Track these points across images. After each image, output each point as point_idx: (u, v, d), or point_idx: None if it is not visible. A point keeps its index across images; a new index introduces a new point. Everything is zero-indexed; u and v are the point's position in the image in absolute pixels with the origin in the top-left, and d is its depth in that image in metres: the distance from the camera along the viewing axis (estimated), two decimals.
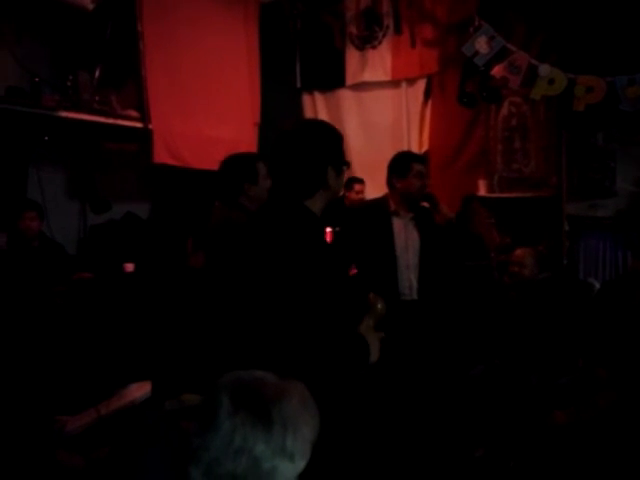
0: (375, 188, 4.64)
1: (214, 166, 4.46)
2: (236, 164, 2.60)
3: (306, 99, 5.38)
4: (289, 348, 1.54)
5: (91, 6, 3.65)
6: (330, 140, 1.73)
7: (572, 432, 2.56)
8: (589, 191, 4.20)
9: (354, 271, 3.32)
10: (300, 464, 1.03)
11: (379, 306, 1.75)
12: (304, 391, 1.08)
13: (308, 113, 5.36)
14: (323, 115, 5.26)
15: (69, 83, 3.76)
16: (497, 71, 3.76)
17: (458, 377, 3.30)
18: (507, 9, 4.31)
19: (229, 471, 1.00)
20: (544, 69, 3.65)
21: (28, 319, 2.54)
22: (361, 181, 4.70)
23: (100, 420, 2.64)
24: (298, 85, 5.35)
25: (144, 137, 4.13)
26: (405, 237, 3.19)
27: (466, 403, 3.18)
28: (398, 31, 4.72)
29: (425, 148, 4.86)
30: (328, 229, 3.47)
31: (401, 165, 3.10)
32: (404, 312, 3.14)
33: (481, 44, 3.70)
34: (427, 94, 4.86)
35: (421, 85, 4.85)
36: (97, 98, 3.87)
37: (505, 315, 3.40)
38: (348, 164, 1.79)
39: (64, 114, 3.68)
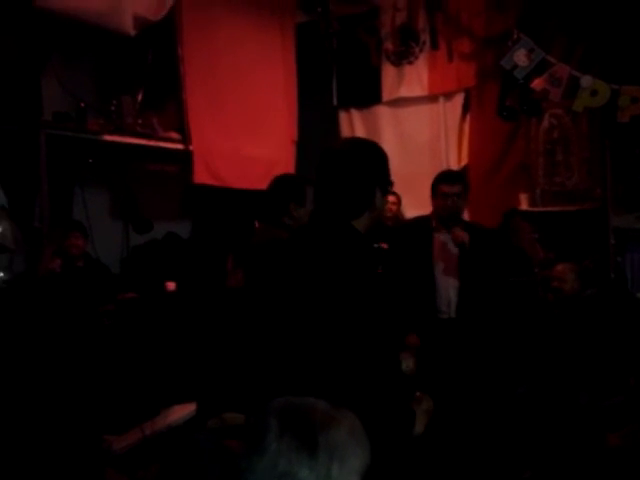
0: (412, 204, 4.62)
1: (252, 185, 4.58)
2: (285, 184, 2.60)
3: (343, 116, 5.39)
4: (334, 373, 1.52)
5: (133, 32, 3.74)
6: (378, 161, 1.72)
7: (626, 456, 2.46)
8: (635, 203, 4.08)
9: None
10: None
11: (424, 407, 1.68)
12: (355, 421, 1.06)
13: (345, 130, 5.37)
14: (360, 131, 5.27)
15: (113, 107, 3.86)
16: (537, 84, 3.70)
17: (502, 397, 3.22)
18: (546, 21, 4.25)
19: None
20: (586, 80, 3.58)
21: (78, 340, 2.59)
22: (394, 193, 4.68)
23: (145, 440, 2.67)
24: (335, 102, 5.37)
25: (185, 158, 4.20)
26: (445, 255, 3.18)
27: (512, 423, 3.10)
28: (435, 46, 4.70)
29: (464, 163, 4.81)
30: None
31: (433, 185, 3.16)
32: (441, 330, 3.12)
33: (520, 57, 3.65)
34: (465, 108, 4.82)
35: (459, 99, 4.81)
36: (140, 121, 3.95)
37: (550, 332, 3.31)
38: (393, 184, 1.77)
39: (108, 138, 3.78)
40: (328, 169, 1.70)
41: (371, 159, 1.70)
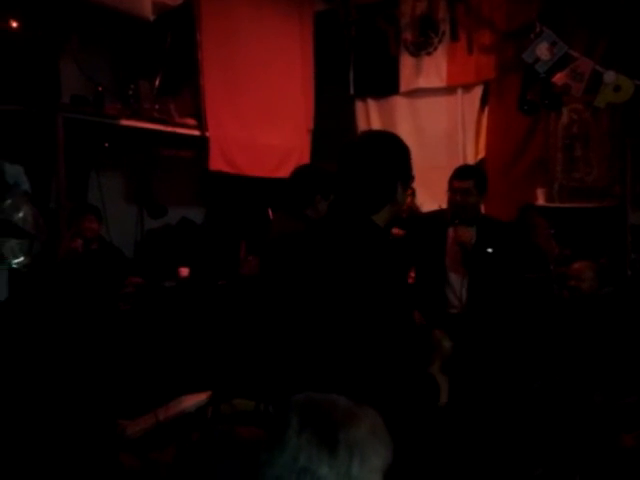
0: (428, 197, 4.58)
1: (267, 173, 4.58)
2: (312, 174, 2.52)
3: (359, 106, 5.35)
4: (352, 367, 1.51)
5: (152, 17, 3.73)
6: (401, 155, 1.69)
7: None
8: None
9: (412, 276, 3.31)
10: None
11: (446, 345, 1.69)
12: (377, 419, 1.05)
13: (361, 120, 5.34)
14: (376, 122, 5.23)
15: (130, 92, 3.85)
16: (559, 78, 3.65)
17: (517, 393, 3.21)
18: (568, 14, 4.19)
19: None
20: (609, 76, 3.53)
21: (94, 324, 2.61)
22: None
23: (158, 425, 2.69)
24: (351, 92, 5.33)
25: (200, 144, 4.19)
26: (456, 249, 3.14)
27: (525, 420, 3.09)
28: (455, 37, 4.65)
29: (481, 156, 4.77)
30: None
31: (449, 179, 3.13)
32: (452, 325, 3.10)
33: (542, 50, 3.61)
34: (483, 101, 4.77)
35: (477, 92, 4.76)
36: (157, 106, 3.95)
37: (565, 330, 3.29)
38: (414, 178, 1.75)
39: (125, 122, 3.77)
40: (350, 162, 1.67)
41: (394, 153, 1.68)
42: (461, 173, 3.16)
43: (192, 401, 2.92)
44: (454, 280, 3.14)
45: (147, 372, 3.11)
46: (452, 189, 3.10)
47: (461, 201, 3.06)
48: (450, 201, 3.13)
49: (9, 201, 1.72)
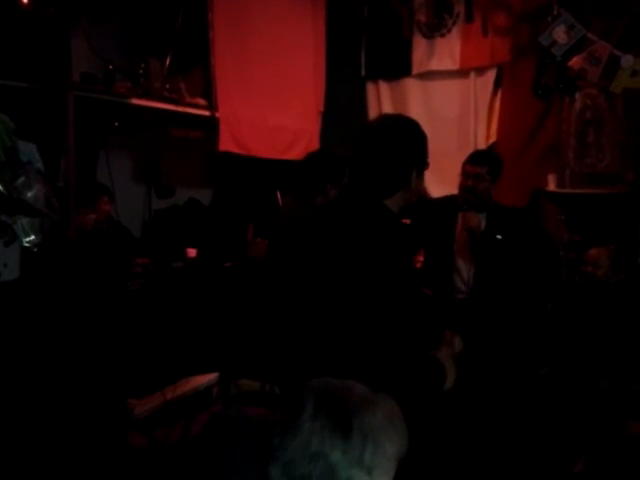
0: (438, 181, 4.55)
1: (277, 155, 4.55)
2: (324, 162, 2.47)
3: (370, 88, 5.29)
4: (359, 350, 1.51)
5: None
6: (418, 140, 1.67)
7: None
8: None
9: (421, 260, 3.30)
10: None
11: (456, 344, 1.68)
12: (394, 407, 1.05)
13: (372, 102, 5.28)
14: (387, 104, 5.17)
15: (141, 71, 3.82)
16: (575, 62, 3.59)
17: (521, 379, 3.21)
18: None
19: (304, 474, 0.98)
20: (627, 60, 3.46)
21: (104, 303, 2.62)
22: None
23: (166, 404, 2.71)
24: (363, 74, 5.27)
25: (210, 124, 4.17)
26: (466, 235, 3.12)
27: (529, 405, 3.09)
28: (469, 19, 4.57)
29: (493, 140, 4.72)
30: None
31: (463, 163, 3.10)
32: (457, 310, 3.10)
33: (559, 33, 3.54)
34: (496, 84, 4.71)
35: (491, 75, 4.69)
36: (167, 86, 3.92)
37: (574, 316, 3.28)
38: (428, 165, 1.73)
39: (135, 101, 3.75)
40: (367, 144, 1.65)
41: (412, 138, 1.66)
42: (475, 158, 3.13)
43: (200, 381, 2.94)
44: (461, 265, 3.13)
45: (155, 352, 3.12)
46: (464, 173, 3.08)
47: (472, 186, 3.04)
48: (461, 186, 3.10)
49: (22, 179, 1.71)
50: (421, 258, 3.37)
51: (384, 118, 1.96)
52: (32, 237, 1.83)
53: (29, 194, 1.73)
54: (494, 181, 3.11)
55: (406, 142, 1.64)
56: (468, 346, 2.96)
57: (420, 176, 1.70)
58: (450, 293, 3.14)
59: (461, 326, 2.99)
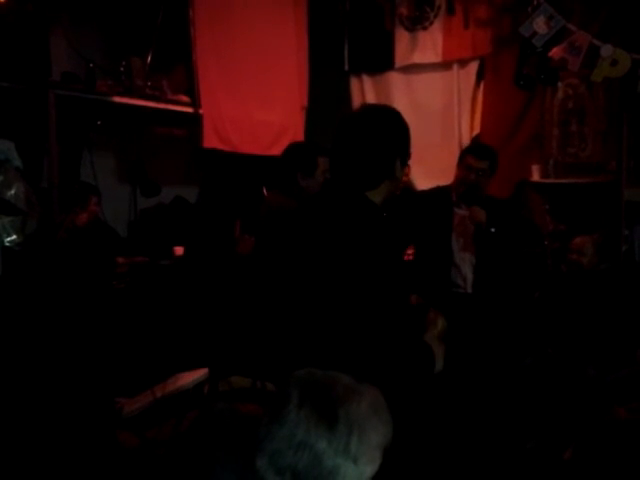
0: (422, 174, 4.57)
1: (261, 151, 4.54)
2: (294, 153, 2.59)
3: (354, 82, 5.29)
4: (347, 344, 1.51)
5: None
6: (400, 130, 1.67)
7: (634, 429, 2.48)
8: None
9: (410, 253, 3.30)
10: (366, 469, 1.01)
11: (440, 323, 1.69)
12: (378, 397, 1.06)
13: (355, 96, 5.28)
14: (371, 98, 5.17)
15: (122, 69, 3.79)
16: (556, 52, 3.61)
17: (510, 367, 3.24)
18: None
19: (290, 465, 0.99)
20: (606, 49, 3.49)
21: (90, 303, 2.60)
22: None
23: (155, 402, 2.70)
24: (346, 68, 5.26)
25: (194, 121, 4.15)
26: (464, 230, 3.13)
27: (518, 394, 3.12)
28: (451, 11, 4.57)
29: (476, 132, 4.74)
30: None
31: (461, 154, 3.10)
32: (455, 305, 3.11)
33: (539, 24, 3.56)
34: (479, 76, 4.72)
35: (473, 67, 4.71)
36: (149, 83, 3.89)
37: (560, 304, 3.31)
38: (410, 155, 1.73)
39: (117, 99, 3.72)
40: (347, 135, 1.64)
41: (395, 128, 1.65)
42: (480, 152, 3.11)
43: (189, 378, 2.93)
44: (459, 260, 3.13)
45: (144, 350, 3.11)
46: (467, 166, 3.04)
47: (475, 180, 3.03)
48: (462, 179, 3.06)
49: (1, 177, 1.69)
50: (410, 251, 3.37)
51: (366, 107, 1.96)
52: (14, 237, 1.82)
53: (9, 193, 1.72)
54: (491, 176, 3.13)
55: (388, 131, 1.63)
56: (468, 340, 2.98)
57: (404, 166, 1.70)
58: (448, 288, 3.13)
59: (463, 321, 3.02)
